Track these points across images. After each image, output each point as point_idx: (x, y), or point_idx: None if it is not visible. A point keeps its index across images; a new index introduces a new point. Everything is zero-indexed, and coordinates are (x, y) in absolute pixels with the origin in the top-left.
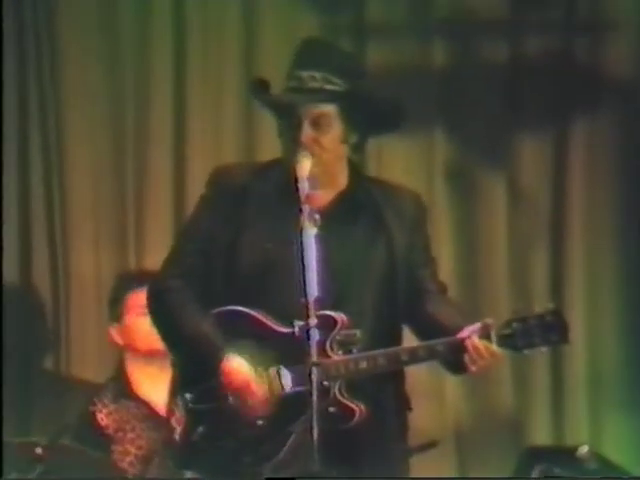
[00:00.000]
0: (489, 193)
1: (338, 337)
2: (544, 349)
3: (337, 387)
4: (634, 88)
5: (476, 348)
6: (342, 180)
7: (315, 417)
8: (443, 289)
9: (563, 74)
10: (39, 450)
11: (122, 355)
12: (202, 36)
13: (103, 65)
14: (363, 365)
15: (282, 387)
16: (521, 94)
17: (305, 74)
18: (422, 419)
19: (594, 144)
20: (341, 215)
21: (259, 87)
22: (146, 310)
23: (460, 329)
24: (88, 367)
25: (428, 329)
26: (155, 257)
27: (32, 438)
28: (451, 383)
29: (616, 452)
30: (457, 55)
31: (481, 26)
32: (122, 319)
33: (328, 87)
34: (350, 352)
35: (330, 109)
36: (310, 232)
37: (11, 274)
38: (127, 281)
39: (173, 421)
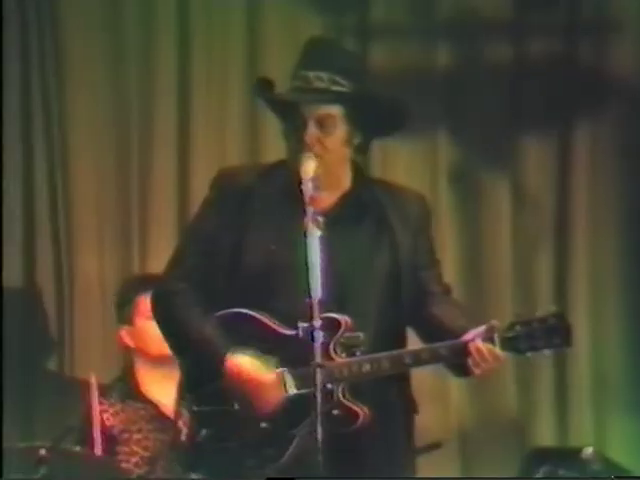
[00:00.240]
0: (493, 195)
1: (342, 340)
2: (548, 353)
3: (340, 390)
4: (637, 90)
5: (479, 351)
6: (346, 182)
7: (319, 420)
8: (447, 291)
9: (567, 76)
10: (43, 452)
11: (130, 356)
12: (206, 37)
13: (107, 67)
14: (367, 368)
15: (286, 390)
16: (525, 96)
17: (311, 74)
18: (426, 421)
19: (598, 146)
20: (345, 217)
21: (263, 86)
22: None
23: (464, 331)
24: (92, 368)
25: (432, 331)
26: (159, 259)
27: (36, 440)
28: (455, 385)
29: (621, 453)
30: (461, 57)
31: (485, 28)
32: (133, 321)
33: (334, 88)
34: (354, 355)
35: (335, 110)
36: (314, 234)
37: (15, 276)
38: (137, 283)
39: (180, 423)
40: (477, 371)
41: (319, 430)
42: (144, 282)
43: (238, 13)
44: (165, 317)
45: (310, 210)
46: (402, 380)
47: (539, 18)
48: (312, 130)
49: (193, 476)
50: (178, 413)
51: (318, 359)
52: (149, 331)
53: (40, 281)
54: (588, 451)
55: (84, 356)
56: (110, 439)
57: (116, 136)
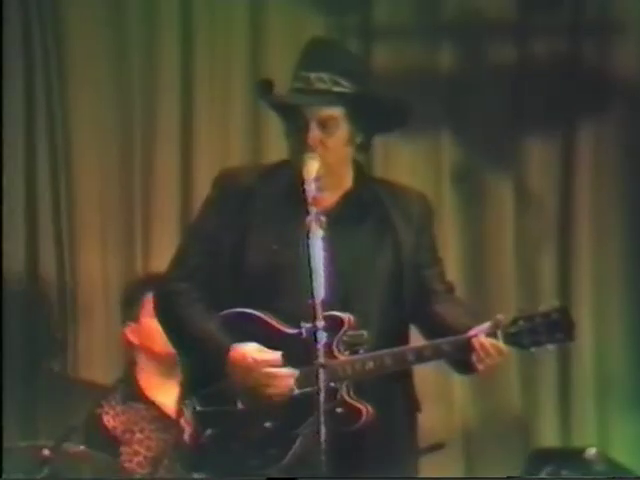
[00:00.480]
0: (496, 195)
1: (345, 338)
2: (551, 347)
3: (344, 388)
4: None
5: (483, 346)
6: (347, 181)
7: (322, 419)
8: (450, 289)
9: (570, 76)
10: (46, 452)
11: (132, 357)
12: (209, 35)
13: (110, 66)
14: (370, 365)
15: (290, 389)
16: (528, 96)
17: (312, 75)
18: (429, 420)
19: (601, 146)
20: (347, 216)
21: (264, 88)
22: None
23: (468, 329)
24: (95, 368)
25: (435, 329)
26: (162, 258)
27: (39, 440)
28: (458, 385)
29: (624, 454)
30: (464, 57)
31: (488, 28)
32: (139, 319)
33: (336, 89)
34: (357, 353)
35: (337, 111)
36: (317, 234)
37: (18, 275)
38: (145, 282)
39: (182, 423)
40: (481, 367)
41: (322, 430)
42: (152, 281)
43: (241, 11)
44: (168, 316)
45: (313, 210)
46: (405, 379)
47: (543, 19)
48: (314, 131)
49: (196, 476)
50: (180, 413)
51: (321, 359)
52: (155, 328)
53: (43, 280)
54: (591, 451)
55: (87, 356)
56: (113, 440)
57: (119, 134)
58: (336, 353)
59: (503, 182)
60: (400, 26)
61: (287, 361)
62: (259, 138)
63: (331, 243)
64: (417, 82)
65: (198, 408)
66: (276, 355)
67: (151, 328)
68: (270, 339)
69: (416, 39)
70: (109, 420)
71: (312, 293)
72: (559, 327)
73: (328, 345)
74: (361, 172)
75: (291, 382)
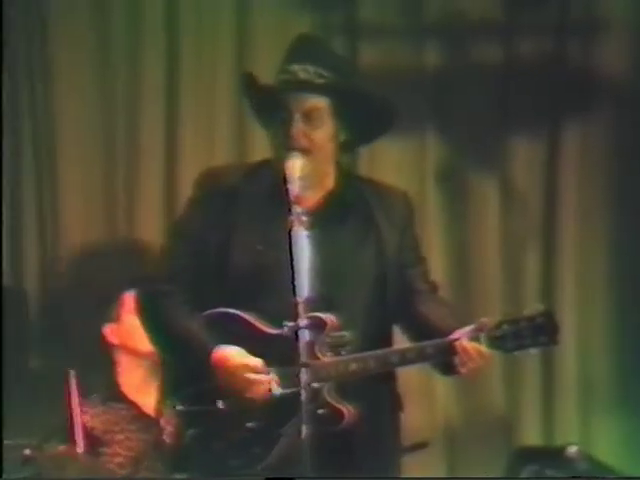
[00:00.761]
0: (481, 195)
1: (328, 339)
2: (534, 351)
3: (327, 389)
4: (627, 90)
5: (466, 350)
6: (330, 181)
7: (304, 419)
8: (434, 288)
9: (556, 76)
10: (28, 451)
11: (111, 356)
12: (195, 39)
13: (95, 70)
14: (353, 367)
15: (272, 389)
16: (513, 96)
17: (297, 67)
18: (412, 420)
19: (587, 146)
20: (330, 216)
21: (247, 80)
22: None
23: (452, 330)
24: (76, 368)
25: (419, 329)
26: None
27: (20, 439)
28: (441, 384)
29: (606, 452)
30: (450, 56)
31: (474, 27)
32: (119, 318)
33: (320, 80)
34: (340, 354)
35: (322, 104)
36: (300, 233)
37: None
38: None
39: (162, 422)
40: (464, 370)
41: (304, 429)
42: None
43: (226, 13)
44: (151, 317)
45: (296, 209)
46: (388, 378)
47: (528, 18)
48: (298, 123)
49: (177, 476)
50: (160, 412)
51: (303, 358)
52: (137, 327)
53: (26, 279)
54: (572, 449)
55: (69, 355)
56: (93, 441)
57: (103, 140)
58: (319, 354)
59: (488, 181)
60: (386, 25)
61: (271, 361)
62: (244, 141)
63: (314, 242)
64: (402, 81)
65: (181, 408)
66: (257, 360)
67: (132, 327)
68: (253, 339)
69: (402, 38)
70: (88, 420)
71: (294, 292)
72: (543, 331)
73: (311, 346)
74: (344, 171)
75: (270, 387)
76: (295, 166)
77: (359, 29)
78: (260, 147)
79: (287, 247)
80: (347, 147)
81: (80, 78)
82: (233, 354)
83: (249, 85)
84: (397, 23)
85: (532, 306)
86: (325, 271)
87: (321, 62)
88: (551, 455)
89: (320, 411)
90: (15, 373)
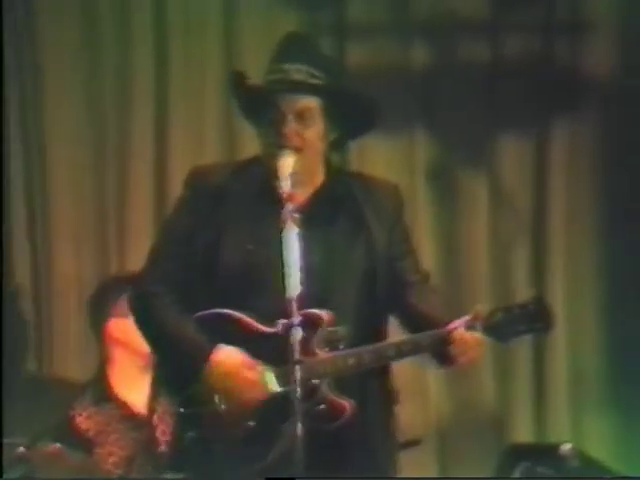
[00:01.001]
0: (470, 193)
1: (323, 335)
2: (528, 336)
3: (325, 384)
4: (614, 88)
5: (463, 340)
6: (319, 177)
7: (299, 417)
8: (425, 278)
9: (544, 74)
10: (21, 449)
11: (105, 354)
12: (183, 38)
13: (84, 68)
14: (350, 362)
15: (269, 388)
16: (502, 94)
17: (289, 66)
18: (404, 417)
19: (574, 143)
20: (320, 212)
21: (237, 79)
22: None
23: (446, 320)
24: (70, 368)
25: (414, 320)
26: (137, 257)
27: (14, 439)
28: (433, 381)
29: (598, 449)
30: (438, 55)
31: (462, 26)
32: (125, 315)
33: (313, 81)
34: (337, 349)
35: (314, 103)
36: (291, 231)
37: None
38: (122, 279)
39: (155, 420)
40: (462, 359)
41: (299, 426)
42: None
43: (214, 13)
44: (144, 318)
45: (288, 207)
46: (382, 372)
47: (516, 17)
48: (291, 123)
49: (168, 476)
50: (152, 410)
51: (297, 356)
52: None
53: (18, 280)
54: (566, 447)
55: (62, 356)
56: (87, 442)
57: (93, 136)
58: (315, 350)
59: (477, 179)
60: (374, 24)
61: (267, 359)
62: (234, 140)
63: (305, 240)
64: (391, 80)
65: (180, 410)
66: (253, 362)
67: None
68: (248, 338)
69: (390, 36)
70: (82, 422)
71: (287, 290)
72: (537, 317)
73: (307, 342)
74: (332, 168)
75: (268, 388)
76: (286, 164)
77: (347, 28)
78: (249, 147)
79: (277, 245)
80: (336, 145)
81: (70, 75)
82: (230, 354)
83: (238, 84)
84: (385, 22)
85: (522, 296)
86: (316, 267)
87: (312, 62)
88: (544, 452)
89: (320, 407)
90: (13, 374)
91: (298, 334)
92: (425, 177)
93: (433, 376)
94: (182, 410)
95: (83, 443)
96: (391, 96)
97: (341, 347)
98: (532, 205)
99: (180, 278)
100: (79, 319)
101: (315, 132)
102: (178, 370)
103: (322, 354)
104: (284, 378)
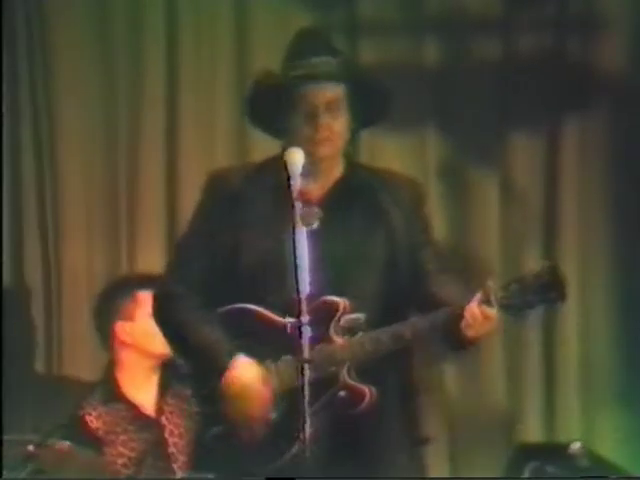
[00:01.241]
0: (481, 191)
1: (342, 323)
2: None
3: (345, 371)
4: (626, 86)
5: (472, 313)
6: (339, 169)
7: (307, 416)
8: (445, 268)
9: (555, 72)
10: (31, 447)
11: (112, 356)
12: (194, 38)
13: (96, 68)
14: (368, 346)
15: (291, 378)
16: (514, 92)
17: (315, 60)
18: None
19: (586, 142)
20: (339, 203)
21: (266, 78)
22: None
23: (464, 303)
24: (80, 367)
25: (434, 309)
26: (147, 256)
27: (24, 437)
28: (443, 381)
29: (608, 449)
30: (449, 53)
31: (473, 24)
32: (134, 317)
33: (340, 71)
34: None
35: (340, 94)
36: (302, 229)
37: (3, 274)
38: (136, 280)
39: (163, 420)
40: (470, 333)
41: (307, 427)
42: (139, 279)
43: (225, 11)
44: (167, 320)
45: (298, 205)
46: (406, 364)
47: (527, 15)
48: (324, 116)
49: (193, 475)
50: (160, 410)
51: (306, 355)
52: (152, 329)
53: (28, 279)
54: (576, 446)
55: (71, 354)
56: (96, 441)
57: (104, 134)
58: (334, 337)
59: (488, 178)
60: (385, 22)
61: (288, 352)
62: (245, 139)
63: (325, 232)
64: (402, 78)
65: (201, 408)
66: (268, 377)
67: (148, 327)
68: (270, 332)
69: (401, 35)
70: (92, 421)
71: (297, 289)
72: (550, 287)
73: (325, 329)
74: (350, 160)
75: (269, 414)
76: (295, 161)
77: (359, 26)
78: (261, 147)
79: (288, 243)
80: (352, 136)
81: (81, 75)
82: (246, 369)
83: (266, 83)
84: (397, 20)
85: (538, 263)
86: (336, 259)
87: (333, 54)
88: (553, 452)
89: (341, 393)
90: (20, 375)
91: (307, 334)
92: (436, 175)
93: (443, 376)
94: (201, 408)
95: (93, 442)
96: (402, 94)
97: (360, 334)
98: (543, 203)
99: (202, 279)
100: (88, 319)
101: (342, 123)
102: (200, 370)
103: (340, 340)
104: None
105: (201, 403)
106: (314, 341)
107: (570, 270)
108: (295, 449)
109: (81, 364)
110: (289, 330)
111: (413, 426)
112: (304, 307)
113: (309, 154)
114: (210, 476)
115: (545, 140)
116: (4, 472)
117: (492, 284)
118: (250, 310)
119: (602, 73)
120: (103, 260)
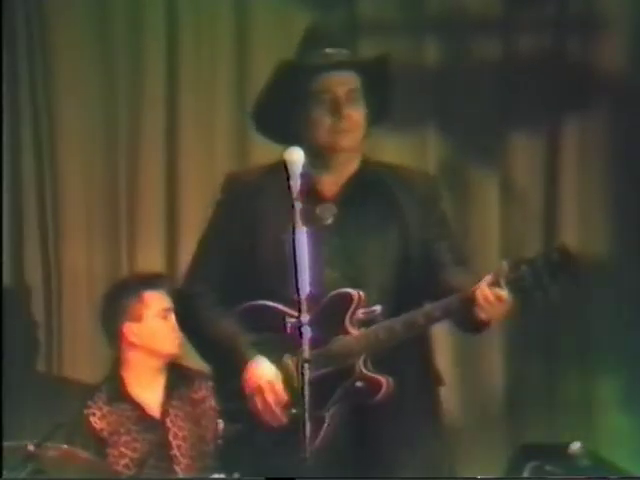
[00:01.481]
0: (481, 191)
1: (359, 315)
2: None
3: (362, 361)
4: (626, 86)
5: (485, 296)
6: (354, 165)
7: (307, 415)
8: (461, 260)
9: (555, 72)
10: (31, 447)
11: (117, 356)
12: (194, 37)
13: (96, 68)
14: (382, 335)
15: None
16: (514, 92)
17: (330, 51)
18: None
19: (586, 142)
20: (354, 198)
21: (293, 70)
22: (172, 314)
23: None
24: (81, 367)
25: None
26: (147, 256)
27: (23, 440)
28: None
29: (609, 449)
30: (449, 53)
31: (473, 24)
32: (141, 318)
33: (360, 60)
34: None
35: (358, 84)
36: (302, 229)
37: (3, 274)
38: (141, 280)
39: (168, 422)
40: (484, 316)
41: (307, 424)
42: (148, 279)
43: (226, 12)
44: (188, 318)
45: (298, 205)
46: (426, 354)
47: (527, 14)
48: (347, 106)
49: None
50: (165, 412)
51: (306, 355)
52: (161, 330)
53: (28, 279)
54: (575, 446)
55: (72, 355)
56: (100, 441)
57: (104, 135)
58: (350, 329)
59: (488, 178)
60: (385, 21)
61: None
62: (245, 139)
63: (340, 225)
64: (402, 78)
65: (224, 405)
66: (282, 394)
67: (157, 328)
68: (287, 328)
69: (401, 34)
70: (96, 421)
71: (297, 289)
72: (562, 267)
73: (341, 321)
74: (364, 155)
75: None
76: (294, 160)
77: (359, 26)
78: (261, 144)
79: (289, 244)
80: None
81: (81, 76)
82: (261, 376)
83: (295, 76)
84: (397, 20)
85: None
86: (350, 253)
87: (343, 46)
88: (554, 452)
89: (358, 384)
90: (20, 375)
91: (307, 334)
92: (437, 175)
93: (446, 373)
94: (224, 405)
95: (96, 443)
96: (403, 94)
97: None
98: (543, 203)
99: (222, 277)
100: (89, 320)
101: (360, 114)
102: (221, 367)
103: (355, 332)
104: (321, 361)
105: (222, 400)
106: (330, 333)
107: None
108: (321, 439)
109: (82, 364)
110: (289, 330)
111: (432, 415)
112: (304, 307)
113: (330, 145)
114: (222, 476)
115: (545, 140)
116: (4, 472)
117: (504, 266)
118: (268, 307)
119: (602, 73)
120: (103, 260)
